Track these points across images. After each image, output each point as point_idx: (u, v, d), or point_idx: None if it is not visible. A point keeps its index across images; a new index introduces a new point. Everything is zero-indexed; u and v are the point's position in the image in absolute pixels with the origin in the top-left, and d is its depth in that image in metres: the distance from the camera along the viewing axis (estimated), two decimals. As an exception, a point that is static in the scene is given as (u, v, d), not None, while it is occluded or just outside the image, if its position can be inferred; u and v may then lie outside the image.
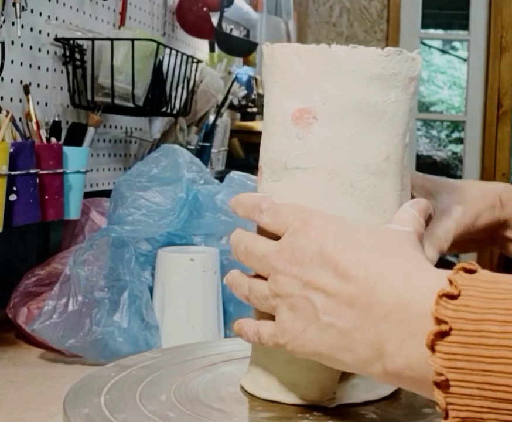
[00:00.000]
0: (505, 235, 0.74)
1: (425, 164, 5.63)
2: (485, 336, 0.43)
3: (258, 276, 0.59)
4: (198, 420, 0.61)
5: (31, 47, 1.24)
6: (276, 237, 0.58)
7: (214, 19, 1.87)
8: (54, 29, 1.31)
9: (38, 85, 1.27)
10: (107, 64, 1.35)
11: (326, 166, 0.60)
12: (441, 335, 0.44)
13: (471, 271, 0.47)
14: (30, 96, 1.16)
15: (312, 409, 0.62)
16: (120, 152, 1.62)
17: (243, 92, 2.28)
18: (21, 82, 1.20)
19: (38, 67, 1.27)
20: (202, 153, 1.85)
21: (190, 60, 1.56)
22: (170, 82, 1.50)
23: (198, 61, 1.62)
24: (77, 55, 1.36)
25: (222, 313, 1.07)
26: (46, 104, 1.28)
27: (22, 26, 1.19)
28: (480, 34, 3.78)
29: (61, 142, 1.20)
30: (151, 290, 1.06)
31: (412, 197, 0.64)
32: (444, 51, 6.30)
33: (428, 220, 0.61)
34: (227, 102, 1.99)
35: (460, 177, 4.18)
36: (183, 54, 1.52)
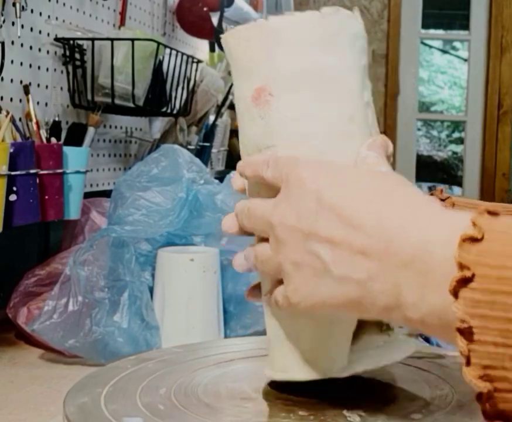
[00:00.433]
0: None
1: (425, 164, 5.62)
2: (509, 284, 0.41)
3: (262, 242, 0.57)
4: (183, 413, 0.61)
5: (31, 47, 1.24)
6: None
7: (214, 19, 1.87)
8: (54, 29, 1.31)
9: (38, 85, 1.27)
10: (107, 64, 1.35)
11: (291, 140, 0.59)
12: (465, 281, 0.42)
13: (494, 214, 0.44)
14: (30, 96, 1.16)
15: (297, 408, 0.62)
16: (121, 152, 1.62)
17: (243, 92, 2.27)
18: (21, 82, 1.20)
19: (38, 67, 1.27)
20: (203, 153, 1.85)
21: (190, 60, 1.56)
22: (170, 82, 1.50)
23: (199, 61, 1.62)
24: (77, 55, 1.36)
25: (222, 313, 1.07)
26: (46, 104, 1.28)
27: (22, 26, 1.19)
28: (480, 34, 3.78)
29: (61, 142, 1.20)
30: (151, 290, 1.05)
31: None
32: (444, 51, 6.30)
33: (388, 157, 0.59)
34: (227, 102, 1.99)
35: (461, 177, 4.18)
36: (183, 54, 1.52)
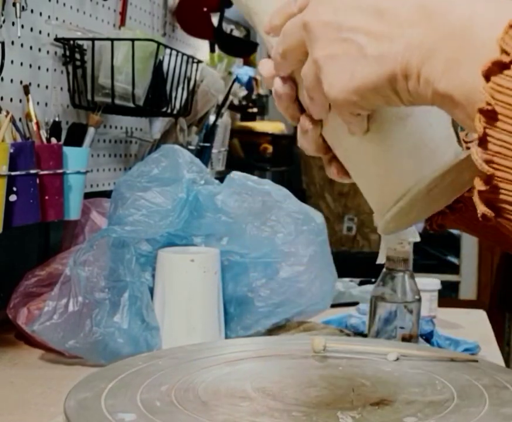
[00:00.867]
0: None
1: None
2: None
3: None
4: (177, 410, 0.62)
5: (31, 47, 1.24)
6: None
7: (214, 19, 1.87)
8: (54, 29, 1.30)
9: (38, 85, 1.27)
10: (107, 64, 1.35)
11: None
12: (500, 66, 0.42)
13: None
14: (30, 96, 1.16)
15: (292, 409, 0.62)
16: (121, 153, 1.62)
17: (243, 92, 2.28)
18: (21, 82, 1.20)
19: (38, 67, 1.27)
20: (203, 154, 1.85)
21: (190, 60, 1.56)
22: (170, 82, 1.50)
23: (199, 62, 1.61)
24: (77, 56, 1.36)
25: (223, 313, 1.07)
26: (46, 104, 1.28)
27: (22, 26, 1.19)
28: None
29: (61, 142, 1.20)
30: (151, 291, 1.05)
31: None
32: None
33: None
34: (227, 103, 1.99)
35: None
36: (183, 54, 1.52)
